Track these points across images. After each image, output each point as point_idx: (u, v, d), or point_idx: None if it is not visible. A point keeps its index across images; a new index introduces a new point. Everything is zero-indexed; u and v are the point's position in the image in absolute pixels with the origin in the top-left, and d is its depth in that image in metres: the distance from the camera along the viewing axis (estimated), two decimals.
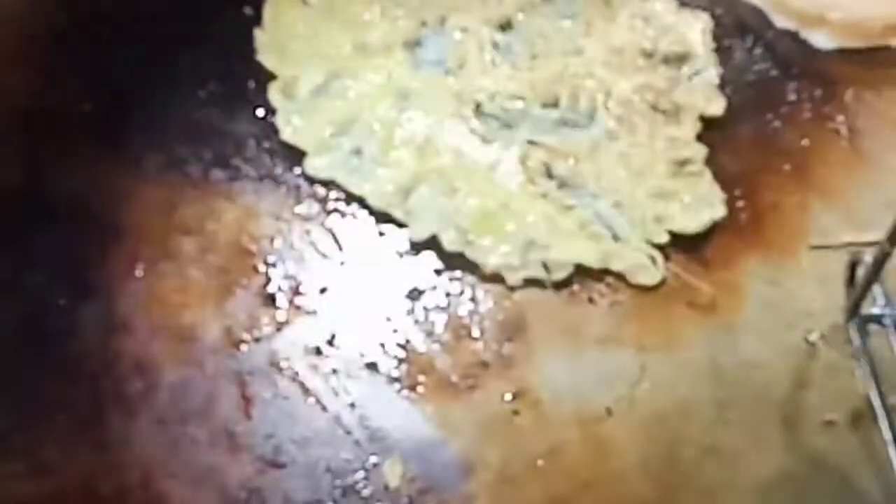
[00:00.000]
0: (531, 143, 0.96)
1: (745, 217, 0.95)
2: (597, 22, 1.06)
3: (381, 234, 0.94)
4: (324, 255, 0.92)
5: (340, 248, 0.93)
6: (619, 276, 0.91)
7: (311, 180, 0.96)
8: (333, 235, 0.93)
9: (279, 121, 0.98)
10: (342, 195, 0.95)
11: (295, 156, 0.97)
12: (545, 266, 0.90)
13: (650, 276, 0.90)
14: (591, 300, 0.90)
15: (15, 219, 0.93)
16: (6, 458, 0.80)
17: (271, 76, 1.01)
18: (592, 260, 0.90)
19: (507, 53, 1.04)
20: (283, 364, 0.86)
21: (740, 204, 0.95)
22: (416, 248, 0.93)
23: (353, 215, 0.95)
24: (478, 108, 0.98)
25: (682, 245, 0.92)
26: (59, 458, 0.81)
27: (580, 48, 1.03)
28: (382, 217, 0.94)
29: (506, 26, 1.05)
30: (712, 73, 1.03)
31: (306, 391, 0.84)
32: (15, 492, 0.79)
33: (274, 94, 0.98)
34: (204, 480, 0.80)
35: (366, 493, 0.80)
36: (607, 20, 1.06)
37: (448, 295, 0.90)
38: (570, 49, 1.03)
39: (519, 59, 1.03)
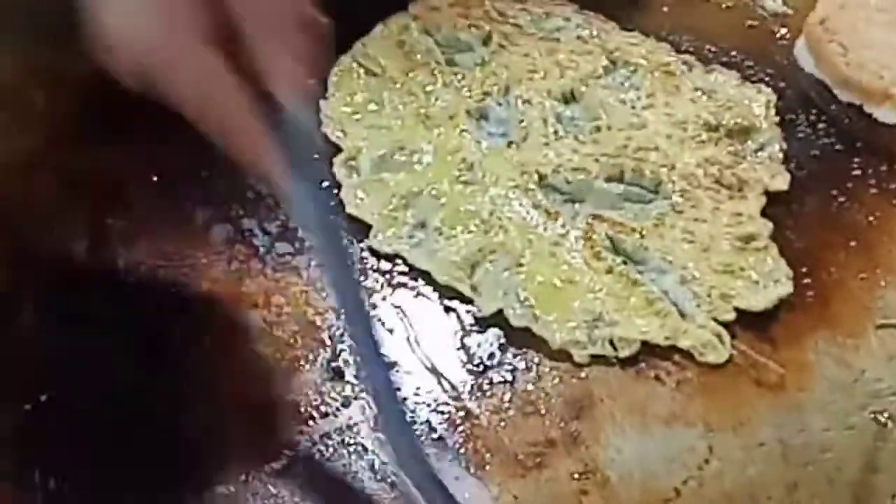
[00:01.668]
0: (595, 217, 0.96)
1: (812, 294, 0.96)
2: (659, 94, 1.07)
3: (447, 309, 0.95)
4: (390, 330, 0.92)
5: (407, 324, 0.92)
6: (687, 354, 0.91)
7: (376, 254, 0.97)
8: (399, 310, 0.93)
9: (343, 194, 0.98)
10: (407, 269, 0.96)
11: (359, 230, 0.99)
12: (612, 343, 0.90)
13: (717, 354, 0.91)
14: (657, 378, 0.91)
15: (84, 291, 0.94)
16: None
17: (336, 148, 1.01)
18: (659, 337, 0.91)
19: (570, 125, 1.05)
20: (352, 440, 0.87)
21: (806, 281, 0.96)
22: (482, 323, 0.94)
23: (418, 290, 0.96)
24: (541, 181, 0.99)
25: (749, 322, 0.93)
26: None
27: (643, 121, 1.04)
28: (448, 292, 0.95)
29: (568, 98, 1.07)
30: (776, 148, 1.05)
31: (373, 468, 0.85)
32: None
33: (338, 166, 0.99)
34: None
35: None
36: (669, 93, 1.07)
37: (514, 370, 0.91)
38: (633, 122, 1.05)
39: (582, 131, 1.04)
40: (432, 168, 1.02)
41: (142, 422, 0.87)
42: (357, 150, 1.03)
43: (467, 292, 0.94)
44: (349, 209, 0.99)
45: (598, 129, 1.05)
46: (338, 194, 1.01)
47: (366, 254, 0.99)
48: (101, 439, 0.87)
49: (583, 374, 0.91)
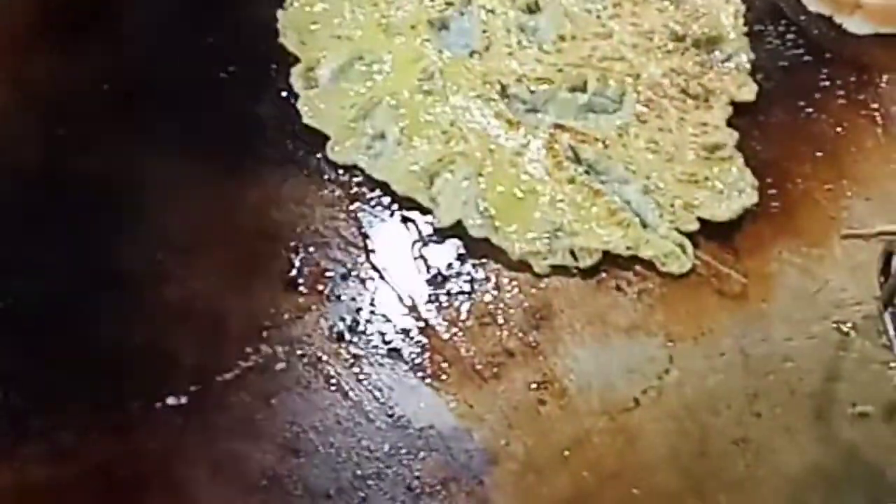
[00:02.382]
0: (558, 126, 0.95)
1: (777, 205, 0.94)
2: (625, 3, 1.05)
3: (405, 219, 0.93)
4: (347, 241, 0.92)
5: (363, 234, 0.90)
6: (648, 264, 0.90)
7: (334, 165, 0.95)
8: (357, 221, 0.92)
9: (301, 105, 0.96)
10: (365, 180, 0.95)
11: (318, 140, 0.97)
12: (573, 253, 0.89)
13: (680, 265, 0.90)
14: (619, 288, 0.90)
15: (37, 200, 0.93)
16: (25, 442, 0.81)
17: (294, 58, 0.99)
18: (621, 247, 0.90)
19: (533, 35, 1.03)
20: (305, 350, 0.86)
21: (772, 192, 0.95)
22: (441, 234, 0.92)
23: (377, 201, 0.95)
24: (504, 91, 0.97)
25: (712, 232, 0.92)
26: (77, 442, 0.81)
27: (609, 30, 1.03)
28: (406, 202, 0.93)
29: (532, 7, 1.04)
30: (744, 58, 1.03)
31: (328, 378, 0.84)
32: (33, 475, 0.80)
33: (296, 77, 0.98)
34: (223, 468, 0.80)
35: (388, 482, 0.80)
36: (636, 2, 1.04)
37: (472, 282, 0.90)
38: (599, 31, 1.03)
39: (546, 42, 1.02)
40: (392, 78, 1.00)
41: (89, 332, 0.87)
42: (316, 61, 1.00)
43: (426, 203, 0.93)
44: (306, 119, 0.97)
45: (563, 38, 1.03)
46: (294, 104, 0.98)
47: (323, 164, 0.96)
48: (49, 349, 0.86)
49: (542, 285, 0.90)
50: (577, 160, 0.94)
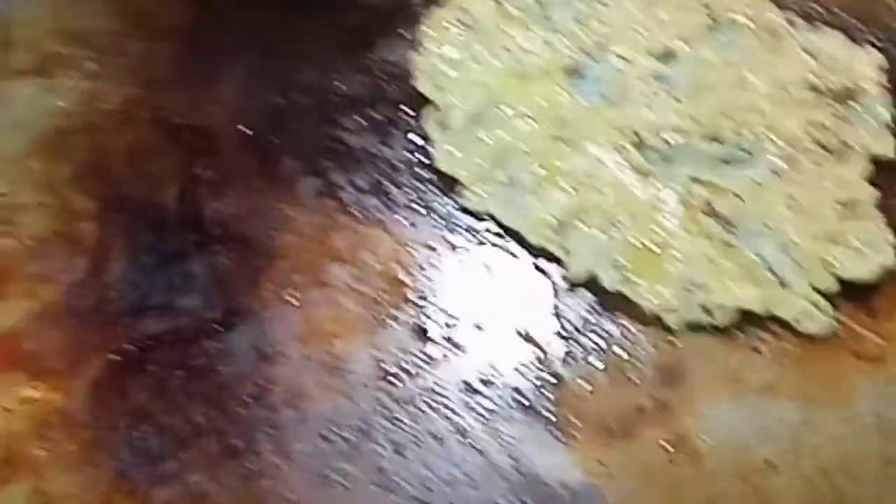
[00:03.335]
0: (693, 179, 0.94)
1: None
2: (762, 54, 1.03)
3: (538, 270, 0.94)
4: (478, 290, 0.93)
5: (495, 284, 0.93)
6: (784, 323, 0.90)
7: (465, 211, 0.97)
8: (487, 269, 0.94)
9: (434, 149, 0.98)
10: (497, 228, 0.95)
11: (449, 185, 0.98)
12: (707, 310, 0.88)
13: (817, 325, 0.90)
14: (754, 348, 0.90)
15: (170, 239, 0.95)
16: (161, 484, 0.84)
17: (427, 101, 1.01)
18: (756, 305, 0.90)
19: (668, 85, 1.01)
20: (437, 400, 0.87)
21: None
22: (574, 286, 0.93)
23: (509, 249, 0.95)
24: (639, 141, 0.97)
25: (850, 292, 0.91)
26: (211, 485, 0.84)
27: (744, 81, 1.00)
28: (539, 252, 0.94)
29: (668, 57, 1.03)
30: (883, 113, 1.01)
31: (460, 431, 0.86)
32: None
33: (429, 121, 0.98)
34: None
35: None
36: (773, 52, 1.03)
37: (605, 337, 0.91)
38: (734, 82, 1.01)
39: (681, 91, 1.01)
40: (526, 125, 1.00)
41: (222, 374, 0.90)
42: (450, 105, 1.00)
43: (559, 254, 0.93)
44: (439, 164, 0.97)
45: (698, 88, 1.02)
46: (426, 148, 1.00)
47: (455, 210, 0.97)
48: (183, 391, 0.89)
49: (675, 342, 0.90)
50: (713, 214, 0.94)
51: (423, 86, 1.03)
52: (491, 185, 0.97)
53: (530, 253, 0.95)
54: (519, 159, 0.98)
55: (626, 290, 0.91)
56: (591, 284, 0.93)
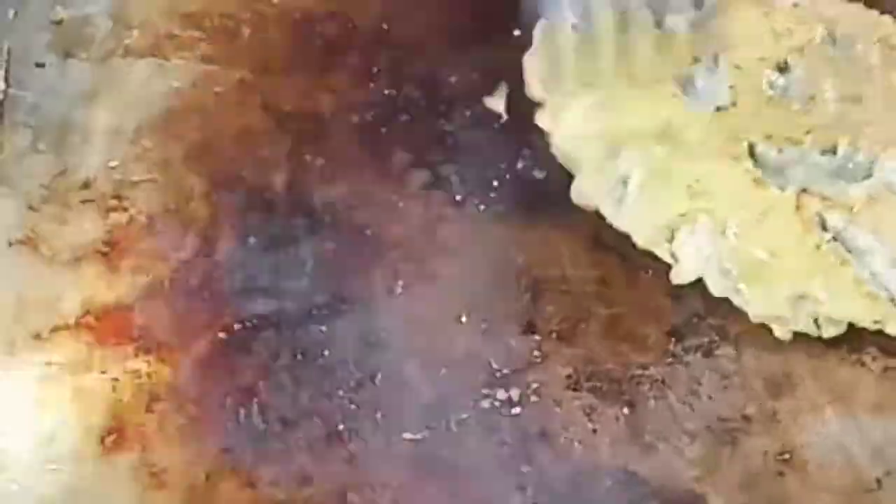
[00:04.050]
0: (805, 190, 0.95)
1: None
2: (878, 67, 1.03)
3: (645, 271, 0.96)
4: (585, 288, 0.95)
5: (602, 283, 0.95)
6: (892, 342, 0.91)
7: (577, 209, 0.98)
8: (595, 268, 0.97)
9: (548, 148, 1.00)
10: (606, 228, 0.98)
11: (559, 185, 1.00)
12: (816, 322, 0.90)
13: None
14: (862, 363, 0.91)
15: (279, 222, 0.98)
16: (264, 462, 0.86)
17: (538, 102, 1.03)
18: (867, 321, 0.90)
19: (782, 94, 1.02)
20: (542, 396, 0.89)
21: None
22: (679, 290, 0.95)
23: (617, 250, 0.97)
24: (751, 150, 0.98)
25: None
26: (313, 467, 0.86)
27: (860, 94, 1.01)
28: (646, 255, 0.96)
29: (783, 67, 1.04)
30: None
31: (565, 426, 0.88)
32: (272, 497, 0.85)
33: (542, 119, 0.99)
34: None
35: None
36: (890, 66, 1.03)
37: (711, 342, 0.92)
38: (850, 95, 1.01)
39: (794, 102, 1.01)
40: (639, 129, 1.01)
41: (327, 358, 0.92)
42: (562, 106, 1.02)
43: (666, 258, 0.94)
44: (555, 151, 1.00)
45: (812, 99, 1.03)
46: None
47: (566, 208, 0.99)
48: (288, 372, 0.91)
49: (782, 353, 0.91)
50: (825, 227, 0.94)
51: (535, 87, 1.04)
52: (602, 188, 0.99)
53: (638, 254, 0.96)
54: (630, 163, 0.99)
55: (732, 297, 0.91)
56: (697, 289, 0.94)
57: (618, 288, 0.95)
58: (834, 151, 1.01)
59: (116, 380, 0.88)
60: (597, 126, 1.02)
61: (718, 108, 1.03)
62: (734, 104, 1.03)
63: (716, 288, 0.93)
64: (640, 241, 0.96)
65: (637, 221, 0.97)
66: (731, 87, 1.04)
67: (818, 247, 0.94)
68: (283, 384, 0.89)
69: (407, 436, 0.87)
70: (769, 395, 0.89)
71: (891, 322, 0.90)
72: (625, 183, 0.98)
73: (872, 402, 0.88)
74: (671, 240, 0.96)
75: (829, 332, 0.90)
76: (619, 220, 0.97)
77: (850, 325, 0.91)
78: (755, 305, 0.92)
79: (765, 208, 0.96)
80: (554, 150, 1.01)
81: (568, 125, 1.02)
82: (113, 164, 0.99)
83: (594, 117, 1.03)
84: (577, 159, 1.01)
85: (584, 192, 0.98)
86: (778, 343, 0.91)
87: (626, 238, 0.97)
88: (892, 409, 0.87)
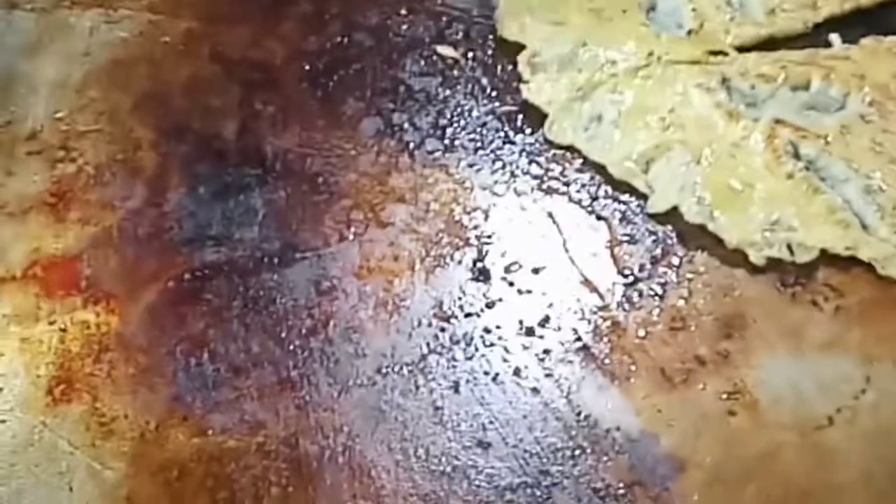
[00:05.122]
0: (778, 121, 1.05)
1: None
2: None
3: (599, 217, 1.03)
4: (539, 235, 1.02)
5: (560, 223, 1.02)
6: (845, 281, 0.97)
7: (529, 157, 1.06)
8: (551, 216, 1.02)
9: (525, 89, 1.09)
10: (558, 174, 1.05)
11: (516, 128, 1.08)
12: (789, 248, 0.98)
13: None
14: (814, 303, 0.97)
15: (231, 172, 1.06)
16: (215, 410, 0.94)
17: (511, 44, 1.12)
18: (839, 247, 0.98)
19: (741, 10, 1.12)
20: (495, 341, 0.96)
21: None
22: (634, 236, 1.02)
23: (571, 196, 1.05)
24: (724, 82, 1.07)
25: None
26: (266, 414, 0.94)
27: (815, 1, 1.12)
28: (620, 187, 1.03)
29: None
30: None
31: (517, 371, 0.95)
32: (222, 444, 0.93)
33: (522, 65, 1.11)
34: (409, 452, 0.92)
35: (573, 481, 0.90)
36: None
37: (665, 284, 0.99)
38: (807, 2, 1.12)
39: (757, 15, 1.12)
40: (614, 61, 1.10)
41: (278, 307, 0.99)
42: (539, 48, 1.12)
43: (642, 188, 1.04)
44: (526, 94, 1.08)
45: (772, 11, 1.12)
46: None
47: (519, 156, 1.06)
48: (240, 321, 0.98)
49: (736, 294, 0.98)
50: (797, 156, 1.03)
51: (507, 26, 1.14)
52: (576, 120, 1.07)
53: (592, 200, 1.03)
54: (604, 95, 1.08)
55: (708, 224, 1.00)
56: (651, 236, 1.01)
57: (570, 231, 1.02)
58: (807, 87, 1.08)
59: (65, 330, 0.96)
60: (574, 68, 1.09)
61: (689, 32, 1.11)
62: (701, 25, 1.11)
63: (691, 216, 1.01)
64: (616, 172, 1.05)
65: (612, 154, 1.06)
66: (693, 8, 1.12)
67: (791, 175, 1.02)
68: (233, 332, 0.97)
69: (359, 381, 0.95)
70: (721, 335, 0.96)
71: (862, 248, 0.98)
72: (599, 119, 1.06)
73: (824, 340, 0.95)
74: (646, 171, 1.04)
75: (802, 257, 0.99)
76: (594, 153, 1.06)
77: (822, 252, 0.98)
78: (730, 232, 1.00)
79: (737, 138, 1.05)
80: (525, 94, 1.09)
81: (546, 70, 1.09)
82: (59, 114, 1.07)
83: (572, 60, 1.10)
84: (551, 101, 1.08)
85: (557, 130, 1.07)
86: (731, 285, 0.98)
87: (578, 181, 1.04)
88: (843, 346, 0.95)
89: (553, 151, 1.07)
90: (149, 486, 0.91)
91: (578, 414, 0.93)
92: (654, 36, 1.12)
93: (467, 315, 0.98)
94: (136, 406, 0.94)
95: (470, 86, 1.10)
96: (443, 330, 0.98)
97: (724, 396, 0.93)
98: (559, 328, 0.98)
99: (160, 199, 1.03)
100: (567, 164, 1.06)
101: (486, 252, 1.01)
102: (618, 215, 1.03)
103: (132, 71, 1.10)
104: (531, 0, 1.16)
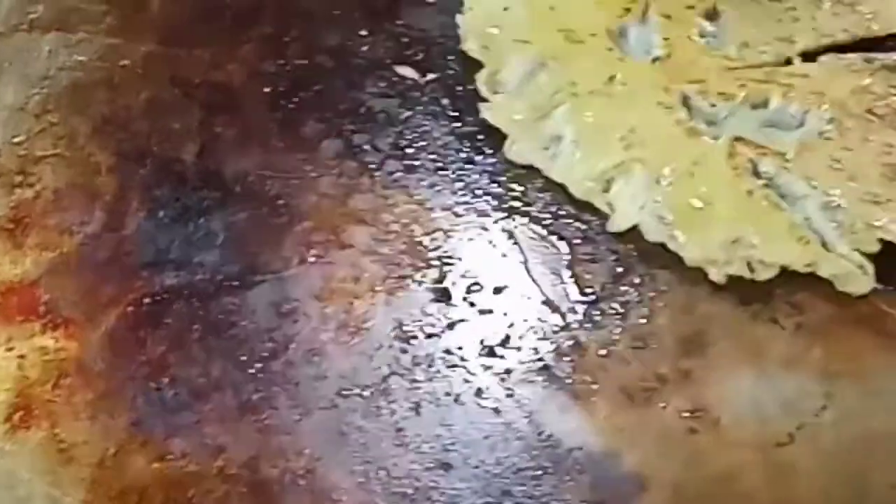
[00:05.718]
0: (738, 139, 1.08)
1: None
2: (810, 12, 1.18)
3: (560, 237, 1.06)
4: (500, 255, 1.05)
5: (519, 248, 1.04)
6: (805, 298, 1.01)
7: (490, 177, 1.09)
8: (511, 235, 1.04)
9: (484, 108, 1.12)
10: (520, 195, 1.08)
11: (478, 150, 1.10)
12: (749, 265, 1.01)
13: (860, 286, 1.00)
14: (775, 321, 1.00)
15: (190, 194, 1.08)
16: (175, 435, 0.96)
17: (472, 64, 1.15)
18: (799, 264, 1.01)
19: (714, 42, 1.15)
20: (456, 362, 0.99)
21: None
22: (595, 254, 1.05)
23: (531, 215, 1.07)
24: (685, 101, 1.10)
25: (877, 267, 1.01)
26: (225, 438, 0.96)
27: (792, 43, 1.14)
28: (581, 206, 1.06)
29: (711, 14, 1.17)
30: None
31: (478, 392, 0.97)
32: (182, 468, 0.94)
33: (481, 82, 1.13)
34: (370, 474, 0.94)
35: (535, 500, 0.92)
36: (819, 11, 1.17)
37: (626, 304, 1.01)
38: (783, 37, 1.15)
39: (729, 48, 1.15)
40: (575, 82, 1.12)
41: (238, 330, 1.01)
42: (500, 66, 1.14)
43: (603, 207, 1.06)
44: (485, 114, 1.10)
45: (745, 45, 1.15)
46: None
47: (480, 177, 1.09)
48: (199, 345, 1.00)
49: (697, 312, 1.01)
50: (757, 174, 1.06)
51: (472, 47, 1.16)
52: (537, 140, 1.10)
53: (553, 219, 1.06)
54: (565, 114, 1.10)
55: (669, 243, 1.03)
56: (611, 254, 1.04)
57: (532, 252, 1.04)
58: (766, 105, 1.11)
59: (23, 357, 0.98)
60: (534, 87, 1.12)
61: (655, 59, 1.14)
62: (669, 55, 1.14)
63: (651, 235, 1.04)
64: (577, 192, 1.07)
65: (573, 174, 1.08)
66: (665, 38, 1.15)
67: (750, 193, 1.05)
68: (194, 357, 0.99)
69: (320, 404, 0.97)
70: (683, 353, 0.98)
71: (822, 265, 1.01)
72: (559, 138, 1.09)
73: (785, 357, 0.97)
74: (607, 190, 1.07)
75: (762, 275, 1.01)
76: (555, 173, 1.08)
77: (783, 270, 1.01)
78: (690, 250, 1.02)
79: (698, 156, 1.07)
80: (485, 114, 1.11)
81: (506, 89, 1.12)
82: (17, 139, 1.09)
83: (532, 80, 1.13)
84: (512, 120, 1.11)
85: (517, 150, 1.09)
86: (692, 304, 1.01)
87: (539, 201, 1.07)
88: (803, 363, 0.97)
89: (513, 171, 1.09)
90: None
91: (540, 434, 0.95)
92: (619, 60, 1.14)
93: (428, 336, 1.00)
94: (95, 432, 0.95)
95: (431, 106, 1.12)
96: (404, 351, 0.99)
97: (686, 415, 0.95)
98: (520, 348, 0.99)
99: (119, 223, 1.05)
100: (528, 184, 1.08)
101: (447, 273, 1.03)
102: (579, 235, 1.05)
103: (91, 95, 1.12)
104: (496, 18, 1.18)
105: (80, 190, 1.07)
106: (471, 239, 1.05)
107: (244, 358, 0.99)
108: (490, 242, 1.05)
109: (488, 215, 1.07)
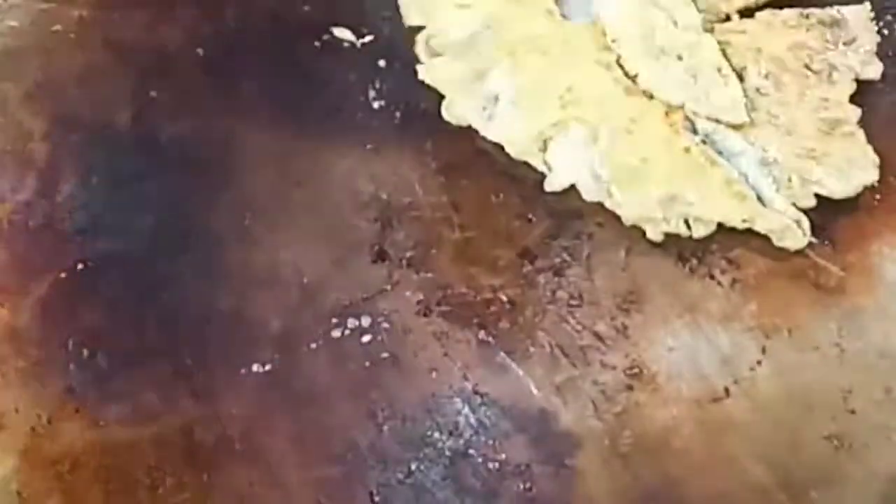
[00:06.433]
0: (675, 96, 1.09)
1: (879, 198, 1.07)
2: None
3: (496, 195, 1.08)
4: (441, 213, 1.07)
5: (455, 202, 1.07)
6: (741, 254, 1.04)
7: (447, 127, 1.10)
8: (449, 192, 1.07)
9: (422, 71, 1.14)
10: (478, 143, 1.10)
11: (415, 110, 1.13)
12: (686, 222, 1.03)
13: (796, 240, 1.03)
14: (711, 276, 1.02)
15: (124, 160, 1.10)
16: (109, 401, 0.97)
17: (411, 28, 1.17)
18: (736, 220, 1.03)
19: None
20: (393, 323, 1.00)
21: (876, 185, 1.05)
22: (533, 213, 1.07)
23: (471, 174, 1.09)
24: (620, 60, 1.11)
25: (820, 217, 1.04)
26: (160, 404, 0.97)
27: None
28: (499, 176, 1.08)
29: None
30: (871, 37, 1.15)
31: (415, 352, 0.99)
32: (116, 435, 0.96)
33: (420, 46, 1.15)
34: (305, 436, 0.96)
35: (473, 460, 0.95)
36: None
37: (563, 262, 1.04)
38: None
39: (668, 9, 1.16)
40: (513, 43, 1.14)
41: (174, 295, 1.03)
42: (439, 30, 1.16)
43: (540, 166, 1.07)
44: (423, 76, 1.12)
45: (683, 6, 1.16)
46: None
47: (434, 128, 1.11)
48: (135, 310, 1.02)
49: (633, 270, 1.03)
50: (694, 130, 1.08)
51: (413, 11, 1.18)
52: (474, 101, 1.11)
53: (491, 179, 1.08)
54: (502, 74, 1.12)
55: (606, 201, 1.05)
56: (547, 212, 1.07)
57: (469, 212, 1.06)
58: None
59: None
60: (473, 50, 1.14)
61: (592, 19, 1.16)
62: (607, 14, 1.16)
63: (588, 193, 1.06)
64: (514, 151, 1.08)
65: (510, 133, 1.09)
66: None
67: (687, 150, 1.06)
68: (127, 323, 1.00)
69: (255, 367, 0.99)
70: (620, 311, 1.00)
71: (758, 220, 1.03)
72: (496, 98, 1.10)
73: (721, 313, 1.00)
74: (544, 149, 1.08)
75: (699, 231, 1.03)
76: (492, 133, 1.09)
77: (720, 226, 1.04)
78: (627, 208, 1.04)
79: (635, 114, 1.09)
80: (422, 75, 1.13)
81: (445, 52, 1.14)
82: None
83: (472, 42, 1.15)
84: (448, 81, 1.12)
85: (454, 110, 1.11)
86: (628, 262, 1.03)
87: (477, 162, 1.09)
88: (739, 319, 0.99)
89: (451, 132, 1.10)
90: (40, 480, 0.93)
91: (477, 393, 0.97)
92: (559, 21, 1.16)
93: (365, 298, 1.02)
94: (27, 400, 0.96)
95: (367, 69, 1.14)
96: (341, 314, 1.01)
97: (623, 372, 0.98)
98: (457, 306, 1.01)
99: (52, 190, 1.06)
100: (465, 145, 1.10)
101: (386, 234, 1.05)
102: (516, 194, 1.07)
103: (23, 61, 1.12)
104: None
105: (11, 157, 1.08)
106: (409, 199, 1.07)
107: (178, 323, 1.00)
108: (429, 204, 1.07)
109: (426, 177, 1.09)
